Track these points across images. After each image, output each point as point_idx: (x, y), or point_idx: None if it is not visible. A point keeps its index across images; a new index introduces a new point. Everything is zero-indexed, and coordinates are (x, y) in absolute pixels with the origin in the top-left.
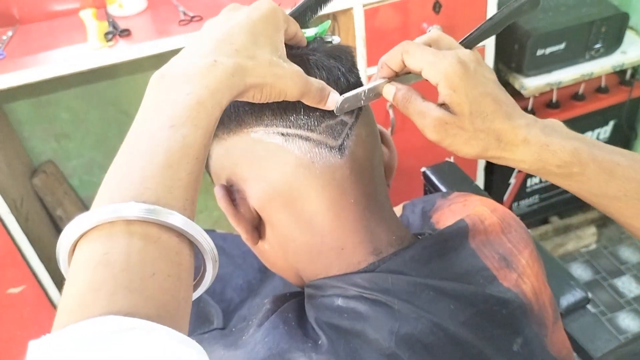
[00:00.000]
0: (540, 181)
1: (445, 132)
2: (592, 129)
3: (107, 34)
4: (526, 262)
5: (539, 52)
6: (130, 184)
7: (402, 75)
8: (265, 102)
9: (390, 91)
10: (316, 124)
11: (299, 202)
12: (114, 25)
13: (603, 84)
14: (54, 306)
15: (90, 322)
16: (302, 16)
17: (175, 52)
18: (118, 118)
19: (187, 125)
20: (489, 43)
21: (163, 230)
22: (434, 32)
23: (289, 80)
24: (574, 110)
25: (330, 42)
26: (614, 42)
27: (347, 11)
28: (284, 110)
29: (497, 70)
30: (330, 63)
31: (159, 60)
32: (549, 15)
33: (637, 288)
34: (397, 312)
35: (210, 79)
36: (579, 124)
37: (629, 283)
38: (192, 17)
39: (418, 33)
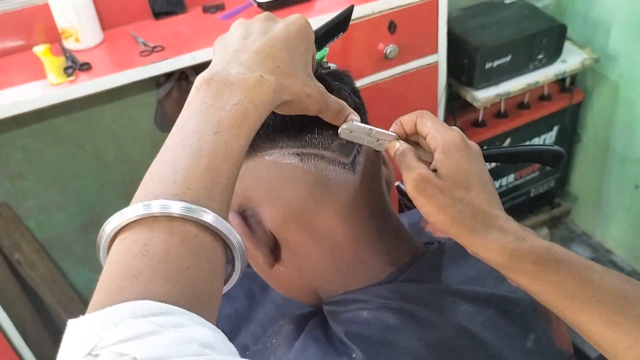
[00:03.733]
0: None
1: (424, 190)
2: (539, 135)
3: (66, 68)
4: None
5: (488, 66)
6: (174, 182)
7: (412, 143)
8: (289, 114)
9: (394, 146)
10: (329, 142)
11: (316, 220)
12: (72, 59)
13: (546, 92)
14: (16, 353)
15: (127, 305)
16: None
17: (139, 82)
18: (75, 154)
19: (230, 133)
20: (441, 60)
21: (200, 228)
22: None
23: (313, 99)
24: (521, 118)
25: (329, 67)
26: (554, 52)
27: None
28: (298, 131)
29: (449, 85)
30: (336, 85)
31: (116, 93)
32: (494, 30)
33: None
34: (422, 320)
35: (256, 93)
36: (526, 132)
37: None
38: (154, 47)
39: (375, 53)
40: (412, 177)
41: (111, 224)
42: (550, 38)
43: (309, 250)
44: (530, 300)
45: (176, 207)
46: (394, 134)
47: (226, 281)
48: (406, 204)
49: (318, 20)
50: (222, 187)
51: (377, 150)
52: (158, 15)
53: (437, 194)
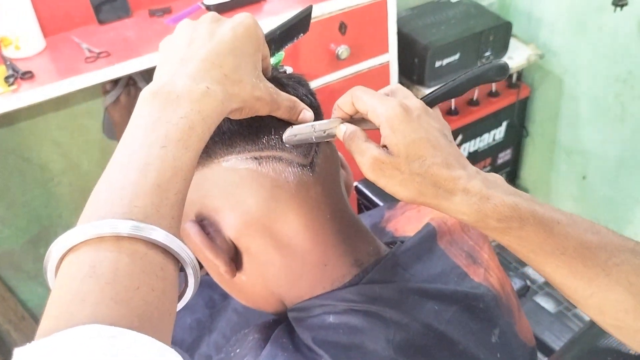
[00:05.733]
0: None
1: (381, 172)
2: (489, 130)
3: (7, 77)
4: (488, 256)
5: (437, 64)
6: (121, 200)
7: (358, 120)
8: (240, 118)
9: (341, 130)
10: None
11: (277, 224)
12: (13, 68)
13: (494, 88)
14: None
15: (75, 330)
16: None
17: (85, 90)
18: (19, 166)
19: (178, 147)
20: (392, 59)
21: (149, 246)
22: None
23: (263, 102)
24: (471, 115)
25: (285, 71)
26: (501, 49)
27: None
28: (255, 133)
29: (401, 84)
30: (291, 83)
31: (61, 101)
32: (442, 29)
33: None
34: (388, 320)
35: (203, 105)
36: (477, 128)
37: None
38: (99, 53)
39: (327, 55)
40: (366, 161)
41: (58, 246)
42: (496, 35)
43: (271, 256)
44: (493, 295)
45: (124, 227)
46: (337, 119)
47: (180, 297)
48: (366, 204)
49: (267, 23)
50: (172, 202)
51: (335, 153)
52: (102, 20)
53: (395, 173)
